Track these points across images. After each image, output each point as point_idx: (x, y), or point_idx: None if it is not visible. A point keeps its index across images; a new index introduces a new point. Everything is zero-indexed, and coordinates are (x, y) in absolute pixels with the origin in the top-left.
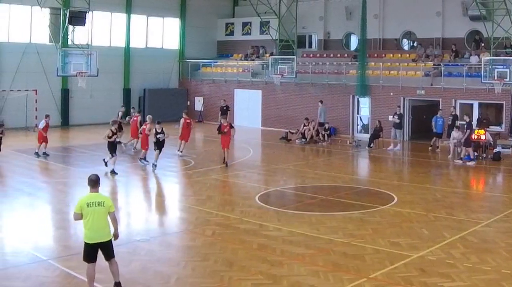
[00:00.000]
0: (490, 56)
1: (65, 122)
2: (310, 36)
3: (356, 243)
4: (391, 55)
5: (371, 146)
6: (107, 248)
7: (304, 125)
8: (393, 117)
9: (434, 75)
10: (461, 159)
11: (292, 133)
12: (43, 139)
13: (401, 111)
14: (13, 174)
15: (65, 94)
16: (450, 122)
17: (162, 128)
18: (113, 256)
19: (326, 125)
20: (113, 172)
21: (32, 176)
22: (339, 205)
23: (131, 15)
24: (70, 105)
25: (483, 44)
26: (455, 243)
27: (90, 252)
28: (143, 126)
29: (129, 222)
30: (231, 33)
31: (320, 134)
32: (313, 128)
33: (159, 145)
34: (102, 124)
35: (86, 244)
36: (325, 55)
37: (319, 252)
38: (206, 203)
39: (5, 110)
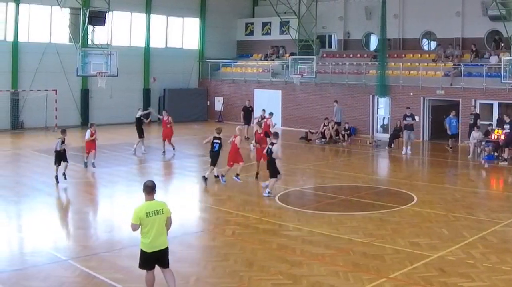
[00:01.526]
0: (510, 56)
1: (85, 122)
2: (330, 36)
3: (376, 243)
4: (411, 55)
5: (391, 146)
6: (164, 257)
7: (324, 125)
8: (404, 119)
9: (454, 75)
10: (505, 159)
11: (312, 133)
12: (90, 147)
13: (412, 112)
14: (33, 174)
15: (85, 94)
16: (471, 122)
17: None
18: (168, 265)
19: (346, 126)
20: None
21: (52, 176)
22: (359, 205)
23: (151, 15)
24: (90, 105)
25: (502, 44)
26: (475, 243)
27: (148, 260)
28: (232, 139)
29: None
30: (251, 33)
31: (340, 134)
32: (332, 128)
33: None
34: (121, 124)
35: (143, 252)
36: (345, 55)
37: (339, 252)
38: (226, 203)
39: (25, 110)
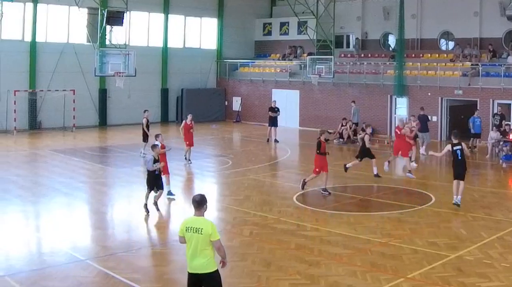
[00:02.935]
0: None
1: (102, 122)
2: (348, 36)
3: (394, 243)
4: (429, 55)
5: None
6: (209, 282)
7: (342, 125)
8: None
9: (471, 75)
10: None
11: (330, 133)
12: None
13: (424, 113)
14: (50, 174)
15: (103, 94)
16: (497, 123)
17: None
18: None
19: (364, 125)
20: None
21: (70, 176)
22: (377, 205)
23: (169, 15)
24: (107, 105)
25: None
26: (492, 243)
27: (190, 281)
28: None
29: (167, 222)
30: (269, 33)
31: (357, 135)
32: (350, 128)
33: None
34: (139, 124)
35: (188, 272)
36: (362, 55)
37: (357, 252)
38: (244, 203)
39: (43, 110)
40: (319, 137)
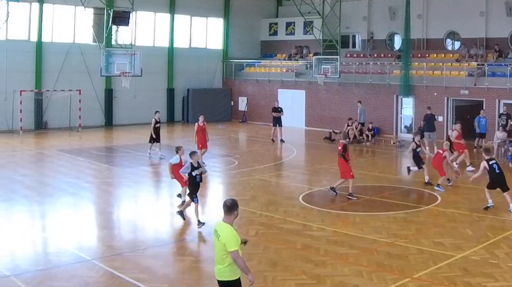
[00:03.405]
0: None
1: (108, 123)
2: (354, 36)
3: (400, 243)
4: (435, 55)
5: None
6: None
7: (348, 125)
8: (423, 120)
9: (477, 75)
10: None
11: (336, 133)
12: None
13: (431, 112)
14: (57, 174)
15: (109, 94)
16: (504, 122)
17: None
18: None
19: (370, 126)
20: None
21: (76, 176)
22: (383, 205)
23: (175, 15)
24: (113, 105)
25: None
26: (498, 243)
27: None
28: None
29: (173, 222)
30: (275, 33)
31: (363, 135)
32: (356, 128)
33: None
34: (145, 124)
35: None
36: (368, 55)
37: (363, 252)
38: (249, 203)
39: (49, 110)
40: (343, 141)
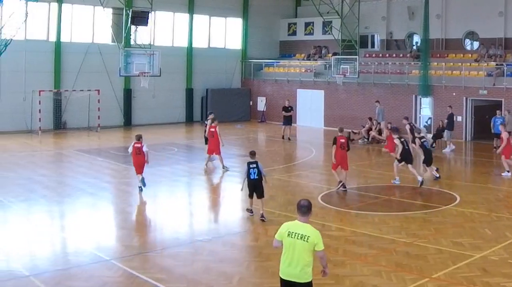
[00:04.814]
0: None
1: (127, 123)
2: (373, 36)
3: (419, 243)
4: (454, 55)
5: (434, 146)
6: None
7: (367, 125)
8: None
9: (496, 75)
10: None
11: (355, 133)
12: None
13: (452, 111)
14: (75, 174)
15: (128, 94)
16: None
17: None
18: None
19: (389, 126)
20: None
21: (95, 176)
22: (401, 205)
23: (194, 15)
24: (132, 105)
25: None
26: None
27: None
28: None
29: (191, 222)
30: (294, 33)
31: (382, 134)
32: (375, 128)
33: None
34: (164, 124)
35: (280, 277)
36: (387, 55)
37: (381, 252)
38: (268, 203)
39: (68, 110)
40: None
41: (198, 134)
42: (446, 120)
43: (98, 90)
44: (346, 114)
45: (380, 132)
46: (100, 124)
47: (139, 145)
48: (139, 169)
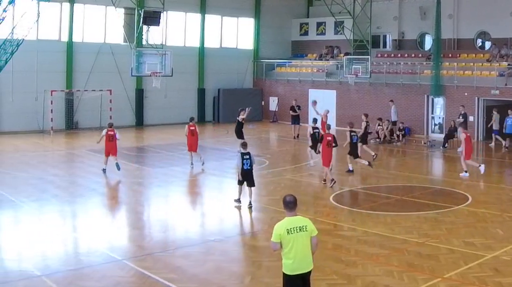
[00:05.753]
0: None
1: (139, 123)
2: (385, 36)
3: (431, 243)
4: (466, 55)
5: (446, 146)
6: (306, 280)
7: (378, 125)
8: (458, 117)
9: (508, 75)
10: None
11: (370, 133)
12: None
13: (465, 111)
14: (87, 174)
15: (139, 94)
16: None
17: None
18: None
19: (400, 125)
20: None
21: (106, 176)
22: (413, 205)
23: (206, 15)
24: (144, 105)
25: None
26: None
27: (292, 284)
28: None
29: (203, 222)
30: (306, 33)
31: (394, 134)
32: (387, 128)
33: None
34: (176, 124)
35: (286, 275)
36: (399, 55)
37: (393, 252)
38: (280, 203)
39: (80, 110)
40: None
41: (210, 134)
42: (461, 119)
43: (110, 90)
44: (358, 114)
45: (392, 132)
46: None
47: (112, 133)
48: (113, 152)
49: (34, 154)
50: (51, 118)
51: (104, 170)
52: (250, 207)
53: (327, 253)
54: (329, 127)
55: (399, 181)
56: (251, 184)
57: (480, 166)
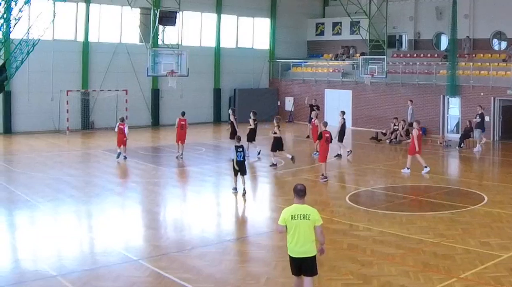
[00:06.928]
0: None
1: (155, 123)
2: (401, 36)
3: (446, 243)
4: (482, 55)
5: (462, 146)
6: (307, 265)
7: (394, 125)
8: (475, 117)
9: None
10: None
11: (384, 134)
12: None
13: (482, 111)
14: (103, 174)
15: (155, 94)
16: None
17: None
18: (312, 275)
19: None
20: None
21: (122, 176)
22: (429, 205)
23: (221, 15)
24: (160, 106)
25: None
26: None
27: (292, 265)
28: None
29: (219, 222)
30: (321, 33)
31: (410, 134)
32: (403, 128)
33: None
34: (192, 124)
35: (290, 257)
36: (415, 55)
37: (409, 252)
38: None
39: (96, 110)
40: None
41: (226, 134)
42: (477, 119)
43: (126, 90)
44: (373, 115)
45: (407, 132)
46: (128, 125)
47: (122, 126)
48: (122, 143)
49: (50, 154)
50: (67, 119)
51: (118, 154)
52: (244, 194)
53: (342, 253)
54: (326, 124)
55: (414, 181)
56: (243, 173)
57: (426, 167)
